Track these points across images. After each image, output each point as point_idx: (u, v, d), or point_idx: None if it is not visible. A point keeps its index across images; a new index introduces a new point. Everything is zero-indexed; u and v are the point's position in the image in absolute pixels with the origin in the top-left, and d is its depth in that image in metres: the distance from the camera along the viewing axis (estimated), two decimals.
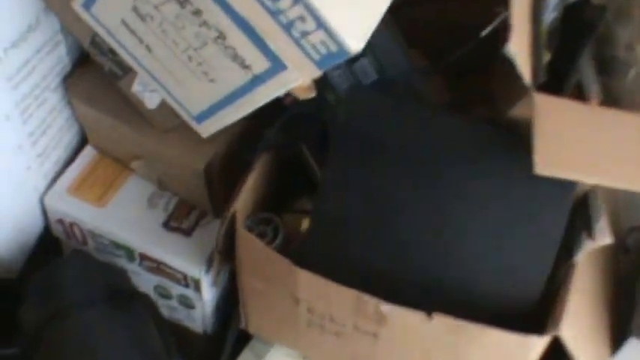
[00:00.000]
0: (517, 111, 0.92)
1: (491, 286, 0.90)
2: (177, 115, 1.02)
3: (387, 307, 0.89)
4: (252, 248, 0.96)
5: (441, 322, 0.87)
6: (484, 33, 0.95)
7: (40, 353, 0.99)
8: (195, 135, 1.03)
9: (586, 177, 0.85)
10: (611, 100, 0.91)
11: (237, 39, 0.84)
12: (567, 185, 0.88)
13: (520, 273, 0.90)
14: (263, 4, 0.78)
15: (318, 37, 0.78)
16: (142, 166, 1.13)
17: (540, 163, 0.80)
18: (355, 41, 0.78)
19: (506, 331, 0.86)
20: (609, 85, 0.92)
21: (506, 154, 0.90)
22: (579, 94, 0.92)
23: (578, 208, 0.94)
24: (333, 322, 0.97)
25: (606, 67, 0.93)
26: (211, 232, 1.10)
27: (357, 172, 0.93)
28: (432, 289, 0.91)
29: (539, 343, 0.87)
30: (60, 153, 1.16)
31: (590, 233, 0.91)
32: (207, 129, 0.98)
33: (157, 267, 1.12)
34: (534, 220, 0.89)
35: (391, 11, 0.84)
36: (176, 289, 1.15)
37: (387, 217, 0.92)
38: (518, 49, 0.81)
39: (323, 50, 0.79)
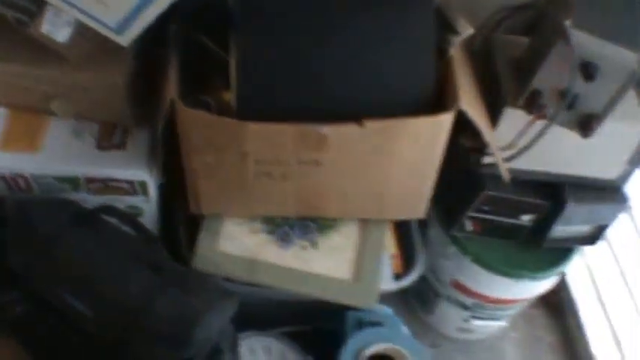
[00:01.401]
0: None
1: (395, 89, 1.17)
2: (87, 41, 1.20)
3: (326, 128, 1.12)
4: (198, 123, 1.16)
5: (372, 125, 1.12)
6: None
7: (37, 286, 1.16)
8: (102, 56, 1.21)
9: None
10: None
11: None
12: None
13: (415, 73, 1.17)
14: None
15: None
16: (61, 104, 1.29)
17: None
18: None
19: (421, 116, 1.13)
20: None
21: None
22: None
23: (437, 21, 1.21)
24: (279, 165, 1.19)
25: None
26: (140, 138, 1.30)
27: (264, 31, 1.15)
28: (351, 106, 1.15)
29: (447, 119, 1.14)
30: None
31: (453, 31, 1.19)
32: (128, 37, 1.16)
33: (105, 186, 1.29)
34: (411, 28, 1.17)
35: None
36: (122, 202, 1.32)
37: (300, 58, 1.15)
38: None
39: None
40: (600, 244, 1.53)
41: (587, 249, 1.58)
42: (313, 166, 1.19)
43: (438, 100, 1.18)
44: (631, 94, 1.33)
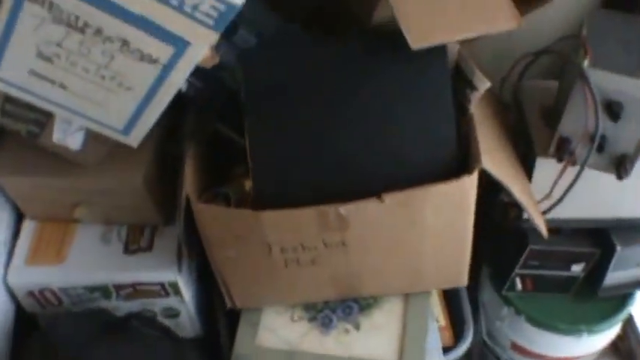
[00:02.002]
0: (378, 16, 1.18)
1: (417, 157, 1.14)
2: (102, 145, 1.22)
3: (344, 208, 1.11)
4: (214, 217, 1.15)
5: (392, 198, 1.10)
6: None
7: None
8: (121, 157, 1.23)
9: (451, 36, 1.11)
10: None
11: (140, 39, 1.04)
12: (440, 53, 1.13)
13: (434, 136, 1.14)
14: None
15: (207, 4, 1.00)
16: (85, 210, 1.31)
17: (413, 39, 1.06)
18: None
19: (442, 182, 1.10)
20: None
21: (387, 51, 1.14)
22: None
23: (456, 77, 1.20)
24: (306, 250, 1.18)
25: None
26: (169, 237, 1.30)
27: (275, 114, 1.15)
28: (372, 180, 1.14)
29: (471, 181, 1.11)
30: (3, 235, 1.33)
31: (471, 86, 1.17)
32: (136, 137, 1.18)
33: (135, 290, 1.30)
34: (428, 91, 1.14)
35: None
36: (158, 305, 1.33)
37: (313, 136, 1.14)
38: None
39: (215, 13, 1.01)
40: None
41: None
42: (341, 247, 1.17)
43: (463, 160, 1.16)
44: None
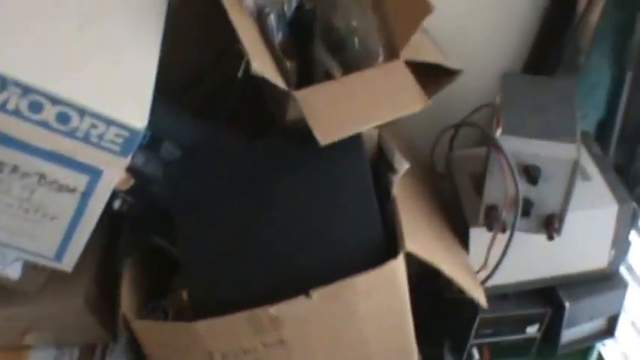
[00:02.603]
0: (291, 114, 1.22)
1: (344, 248, 1.18)
2: (40, 271, 1.26)
3: (273, 309, 1.13)
4: (152, 332, 1.19)
5: (320, 294, 1.13)
6: (239, 74, 1.26)
7: None
8: (62, 281, 1.27)
9: (358, 127, 1.15)
10: (351, 68, 1.24)
11: (55, 172, 1.09)
12: (355, 142, 1.18)
13: (359, 227, 1.18)
14: (59, 131, 1.05)
15: (111, 132, 1.06)
16: (35, 336, 1.35)
17: (321, 135, 1.10)
18: (139, 121, 1.06)
19: (368, 271, 1.14)
20: (345, 60, 1.24)
21: (304, 147, 1.18)
22: (328, 77, 1.24)
23: (378, 160, 1.25)
24: (247, 354, 1.20)
25: (339, 47, 1.25)
26: (119, 355, 1.33)
27: (201, 222, 1.20)
28: (303, 276, 1.17)
29: (398, 264, 1.14)
30: None
31: (392, 169, 1.22)
32: (69, 262, 1.21)
33: None
34: (348, 180, 1.19)
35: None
36: None
37: (240, 239, 1.18)
38: (262, 67, 1.12)
39: (120, 140, 1.07)
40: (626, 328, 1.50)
41: (620, 336, 1.54)
42: (280, 346, 1.20)
43: (392, 242, 1.19)
44: (597, 178, 1.34)
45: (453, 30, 1.43)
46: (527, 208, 1.22)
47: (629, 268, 1.51)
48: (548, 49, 1.50)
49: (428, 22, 1.21)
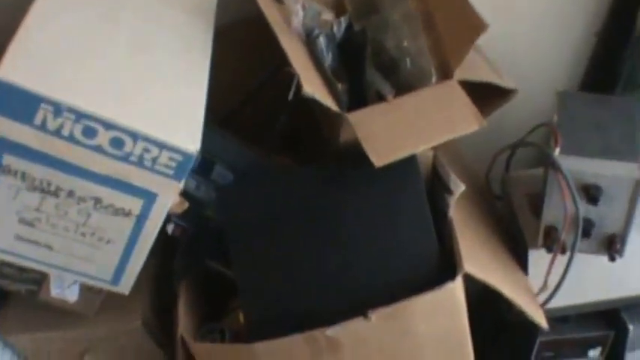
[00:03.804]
0: (344, 137, 1.23)
1: (401, 270, 1.18)
2: (97, 294, 1.29)
3: (331, 330, 1.14)
4: (210, 354, 1.21)
5: (378, 315, 1.13)
6: (290, 96, 1.27)
7: None
8: (119, 303, 1.29)
9: (413, 149, 1.15)
10: (404, 89, 1.24)
11: (110, 196, 1.12)
12: (410, 164, 1.18)
13: (415, 248, 1.18)
14: (114, 156, 1.07)
15: (165, 157, 1.08)
16: (94, 357, 1.37)
17: (376, 157, 1.11)
18: (192, 145, 1.08)
19: (427, 291, 1.14)
20: (398, 81, 1.25)
21: (359, 172, 1.19)
22: (380, 99, 1.24)
23: (433, 181, 1.25)
24: None
25: (391, 68, 1.26)
26: None
27: (257, 246, 1.21)
28: (360, 298, 1.17)
29: (456, 286, 1.14)
30: None
31: (448, 191, 1.21)
32: (126, 285, 1.24)
33: None
34: (404, 203, 1.19)
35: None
36: None
37: (297, 263, 1.19)
38: (313, 89, 1.13)
39: (173, 164, 1.08)
40: None
41: None
42: None
43: (450, 262, 1.19)
44: None
45: (507, 49, 1.44)
46: (587, 228, 1.21)
47: None
48: (606, 67, 1.49)
49: (482, 41, 1.21)
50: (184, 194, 1.21)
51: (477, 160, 1.43)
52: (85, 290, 1.29)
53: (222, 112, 1.37)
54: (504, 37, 1.41)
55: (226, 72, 1.27)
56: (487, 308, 1.30)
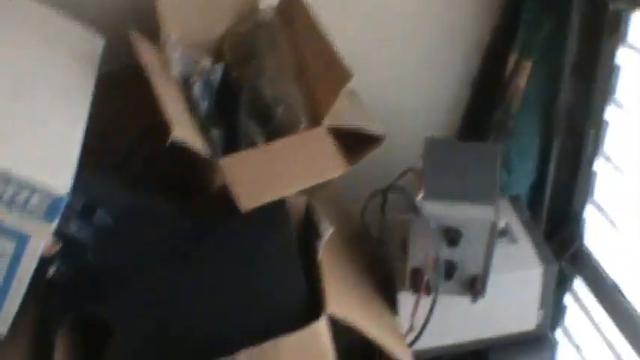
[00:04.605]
0: (219, 180, 1.28)
1: (267, 313, 1.23)
2: None
3: None
4: None
5: (245, 356, 1.18)
6: (168, 143, 1.31)
7: None
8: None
9: (279, 193, 1.22)
10: (276, 135, 1.30)
11: None
12: (277, 208, 1.24)
13: (284, 291, 1.24)
14: None
15: (35, 199, 1.11)
16: None
17: (243, 202, 1.17)
18: (62, 188, 1.12)
19: (293, 332, 1.19)
20: (271, 127, 1.31)
21: (227, 217, 1.24)
22: (252, 144, 1.30)
23: (305, 226, 1.31)
24: None
25: (264, 115, 1.32)
26: None
27: (128, 293, 1.25)
28: (226, 341, 1.19)
29: (321, 325, 1.19)
30: None
31: (317, 235, 1.27)
32: (1, 327, 1.27)
33: None
34: (273, 247, 1.25)
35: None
36: None
37: (165, 308, 1.23)
38: (184, 134, 1.19)
39: (44, 206, 1.12)
40: None
41: None
42: None
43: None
44: (524, 241, 1.40)
45: (386, 95, 1.51)
46: (450, 270, 1.27)
47: (566, 332, 1.56)
48: (480, 114, 1.57)
49: (363, 88, 1.28)
50: (66, 237, 1.24)
51: (356, 204, 1.49)
52: None
53: (110, 161, 1.41)
54: (383, 84, 1.49)
55: (115, 116, 1.32)
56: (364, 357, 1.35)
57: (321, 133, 1.28)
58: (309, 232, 1.31)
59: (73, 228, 1.29)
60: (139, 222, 1.33)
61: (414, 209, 1.25)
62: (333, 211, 1.36)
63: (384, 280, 1.41)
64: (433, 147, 1.36)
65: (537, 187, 1.59)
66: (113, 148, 1.43)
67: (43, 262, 1.21)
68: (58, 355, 1.27)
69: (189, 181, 1.42)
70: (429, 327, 1.30)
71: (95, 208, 1.31)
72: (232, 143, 1.31)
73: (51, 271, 1.29)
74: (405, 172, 1.39)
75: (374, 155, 1.41)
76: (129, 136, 1.45)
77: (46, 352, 1.32)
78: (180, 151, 1.32)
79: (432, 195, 1.26)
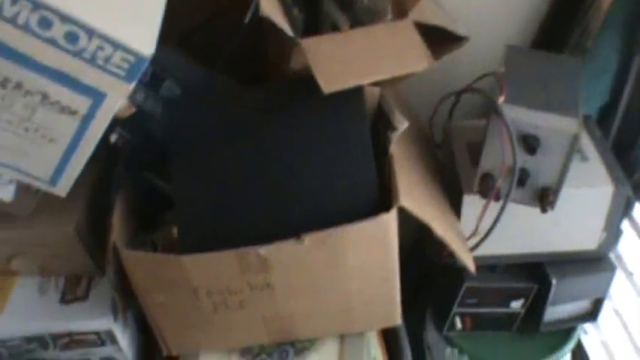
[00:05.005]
0: (295, 63, 1.25)
1: (338, 199, 1.21)
2: (33, 195, 1.29)
3: (263, 249, 1.17)
4: (140, 263, 1.22)
5: (311, 238, 1.17)
6: (247, 19, 1.28)
7: None
8: (54, 208, 1.30)
9: (362, 79, 1.18)
10: (358, 24, 1.27)
11: (58, 92, 1.12)
12: (356, 96, 1.21)
13: (354, 178, 1.21)
14: (66, 50, 1.07)
15: (118, 56, 1.08)
16: (21, 262, 1.38)
17: (324, 84, 1.13)
18: (146, 47, 1.09)
19: (360, 221, 1.17)
20: (354, 15, 1.27)
21: (305, 97, 1.22)
22: (335, 30, 1.27)
23: (378, 118, 1.28)
24: (232, 294, 1.24)
25: (346, 3, 1.28)
26: (104, 286, 1.37)
27: (198, 162, 1.23)
28: (295, 222, 1.19)
29: (390, 218, 1.17)
30: None
31: (391, 127, 1.25)
32: (64, 187, 1.23)
33: (71, 340, 1.36)
34: (346, 133, 1.21)
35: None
36: (97, 354, 1.39)
37: (235, 182, 1.21)
38: (270, 10, 1.15)
39: (126, 65, 1.09)
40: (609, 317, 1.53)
41: (602, 324, 1.58)
42: (266, 289, 1.23)
43: (386, 199, 1.22)
44: (596, 160, 1.37)
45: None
46: (523, 178, 1.25)
47: (618, 257, 1.54)
48: (558, 29, 1.53)
49: None
50: (133, 105, 1.22)
51: (419, 106, 1.47)
52: (22, 190, 1.28)
53: (178, 31, 1.37)
54: None
55: None
56: (419, 251, 1.34)
57: (407, 25, 1.24)
58: (379, 124, 1.28)
59: (140, 96, 1.26)
60: (208, 97, 1.30)
61: (495, 111, 1.21)
62: (401, 109, 1.32)
63: (446, 185, 1.38)
64: (515, 55, 1.33)
65: (607, 109, 1.55)
66: (185, 22, 1.40)
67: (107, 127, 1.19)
68: (115, 216, 1.26)
69: (260, 64, 1.38)
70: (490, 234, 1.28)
71: (164, 78, 1.28)
72: (313, 29, 1.27)
73: (113, 136, 1.27)
74: (481, 77, 1.36)
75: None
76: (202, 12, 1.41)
77: (102, 217, 1.31)
78: (256, 31, 1.30)
79: (515, 100, 1.22)
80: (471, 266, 1.27)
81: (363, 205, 1.21)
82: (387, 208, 1.19)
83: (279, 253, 1.18)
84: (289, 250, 1.18)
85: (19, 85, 1.11)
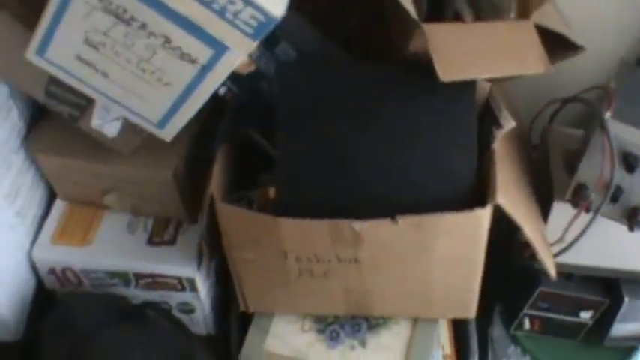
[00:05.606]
0: (413, 46, 1.24)
1: (436, 186, 1.19)
2: (137, 135, 1.29)
3: (358, 224, 1.16)
4: (235, 218, 1.22)
5: (406, 222, 1.15)
6: None
7: None
8: (154, 150, 1.30)
9: (480, 73, 1.16)
10: (480, 18, 1.25)
11: (181, 38, 1.11)
12: (469, 88, 1.19)
13: (454, 168, 1.19)
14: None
15: (247, 13, 1.07)
16: (115, 198, 1.38)
17: (443, 72, 1.11)
18: (277, 8, 1.08)
19: (456, 212, 1.15)
20: (478, 7, 1.25)
21: (418, 80, 1.20)
22: (457, 20, 1.25)
23: (484, 113, 1.26)
24: (319, 262, 1.23)
25: None
26: (192, 234, 1.37)
27: (305, 128, 1.22)
28: (389, 203, 1.19)
29: (485, 214, 1.16)
30: (35, 211, 1.41)
31: (497, 124, 1.23)
32: (170, 132, 1.24)
33: (153, 281, 1.37)
34: (453, 123, 1.19)
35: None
36: (175, 299, 1.40)
37: (338, 155, 1.20)
38: None
39: (254, 23, 1.08)
40: None
41: None
42: (353, 263, 1.22)
43: (481, 194, 1.21)
44: None
45: (581, 7, 1.43)
46: (616, 195, 1.22)
47: None
48: None
49: None
50: None
51: (523, 109, 1.44)
52: (127, 128, 1.29)
53: None
54: None
55: None
56: (495, 245, 1.32)
57: (529, 26, 1.22)
58: (484, 119, 1.26)
59: (255, 54, 1.26)
60: (323, 64, 1.29)
61: (600, 124, 1.19)
62: (506, 108, 1.30)
63: (537, 188, 1.36)
64: (627, 71, 1.29)
65: None
66: None
67: None
68: (216, 168, 1.26)
69: (374, 42, 1.36)
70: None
71: (279, 40, 1.27)
72: (435, 15, 1.25)
73: (222, 89, 1.27)
74: (590, 88, 1.33)
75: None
76: None
77: (200, 165, 1.31)
78: (376, 9, 1.29)
79: (622, 117, 1.19)
80: (552, 272, 1.25)
81: (457, 196, 1.19)
82: (478, 201, 1.17)
83: (373, 230, 1.17)
84: (383, 229, 1.17)
85: (143, 26, 1.11)
